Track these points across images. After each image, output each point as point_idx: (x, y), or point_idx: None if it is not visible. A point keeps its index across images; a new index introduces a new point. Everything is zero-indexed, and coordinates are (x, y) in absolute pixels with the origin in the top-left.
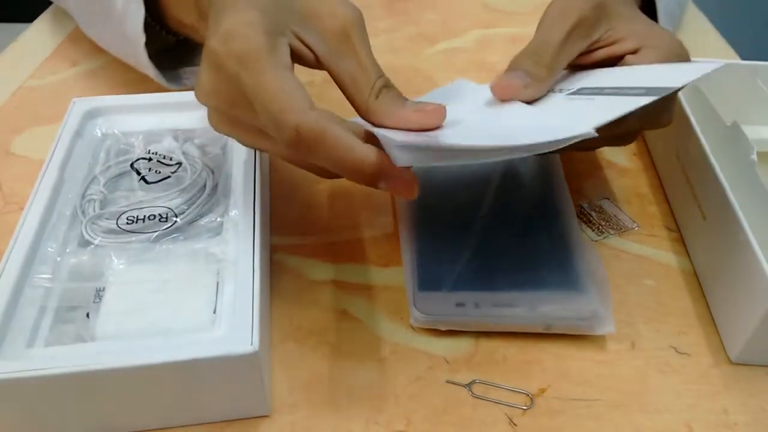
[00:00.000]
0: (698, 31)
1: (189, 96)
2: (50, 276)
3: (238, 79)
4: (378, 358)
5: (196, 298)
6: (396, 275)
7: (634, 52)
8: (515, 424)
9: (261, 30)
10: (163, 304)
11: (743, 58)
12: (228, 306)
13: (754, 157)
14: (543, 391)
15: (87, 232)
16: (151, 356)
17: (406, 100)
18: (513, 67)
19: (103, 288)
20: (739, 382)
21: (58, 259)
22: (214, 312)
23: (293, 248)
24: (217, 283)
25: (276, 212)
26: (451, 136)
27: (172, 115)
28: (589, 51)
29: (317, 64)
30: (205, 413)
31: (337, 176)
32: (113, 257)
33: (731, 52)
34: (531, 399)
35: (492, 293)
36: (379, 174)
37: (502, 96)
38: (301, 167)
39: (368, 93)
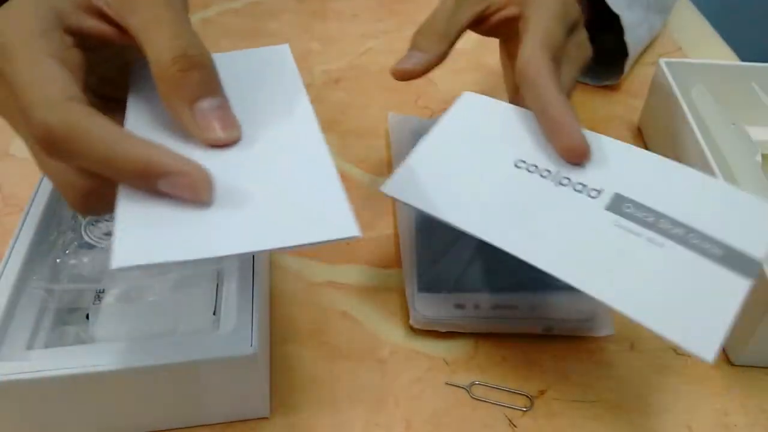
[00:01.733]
0: (697, 32)
1: None
2: (50, 278)
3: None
4: (378, 360)
5: (196, 299)
6: (396, 277)
7: (519, 17)
8: (515, 426)
9: (30, 16)
10: (162, 306)
11: (742, 60)
12: (228, 308)
13: (759, 158)
14: (543, 392)
15: (87, 234)
16: (151, 358)
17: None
18: (411, 46)
19: (103, 290)
20: (739, 383)
21: (58, 260)
22: (214, 313)
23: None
24: (217, 285)
25: None
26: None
27: None
28: (484, 17)
29: (118, 33)
30: (205, 415)
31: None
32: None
33: (731, 53)
34: (531, 400)
35: (492, 295)
36: (155, 172)
37: (402, 79)
38: (63, 181)
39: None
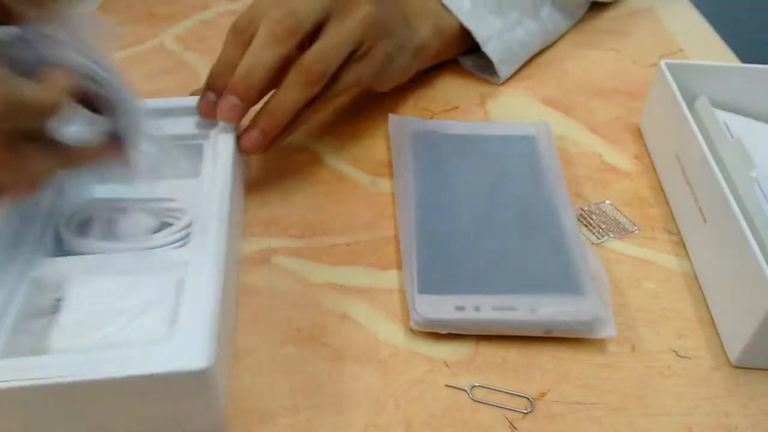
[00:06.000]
0: (697, 33)
1: (169, 103)
2: (9, 286)
3: None
4: (378, 362)
5: (156, 310)
6: (396, 278)
7: None
8: (516, 428)
9: None
10: (121, 316)
11: (743, 61)
12: (186, 319)
13: (754, 174)
14: (543, 394)
15: (49, 241)
16: (99, 370)
17: None
18: None
19: (61, 298)
20: (739, 385)
21: (18, 268)
22: (173, 325)
23: (293, 251)
24: (178, 296)
25: (276, 215)
26: None
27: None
28: None
29: None
30: (159, 430)
31: None
32: (74, 267)
33: (731, 54)
34: (531, 402)
35: (492, 296)
36: None
37: None
38: None
39: None
